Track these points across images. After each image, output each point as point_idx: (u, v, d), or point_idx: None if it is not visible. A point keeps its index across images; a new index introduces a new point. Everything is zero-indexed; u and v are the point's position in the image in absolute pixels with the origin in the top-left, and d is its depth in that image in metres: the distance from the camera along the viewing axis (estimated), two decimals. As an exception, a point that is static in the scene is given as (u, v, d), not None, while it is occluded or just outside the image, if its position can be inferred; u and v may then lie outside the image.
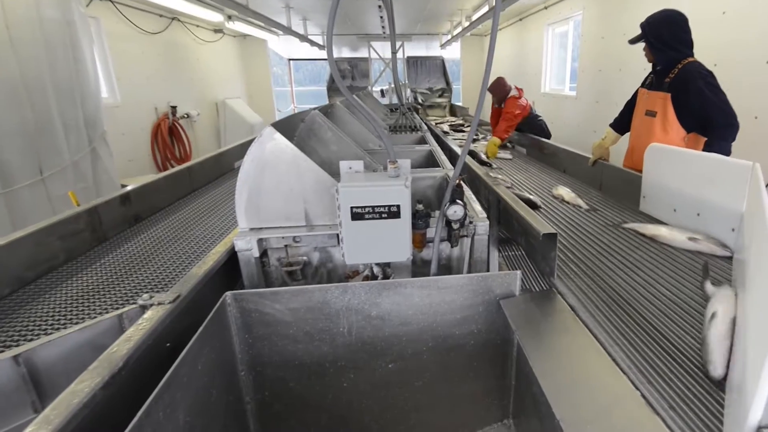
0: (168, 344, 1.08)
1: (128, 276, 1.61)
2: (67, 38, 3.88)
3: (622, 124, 2.81)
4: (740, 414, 0.74)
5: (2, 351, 1.15)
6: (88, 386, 0.83)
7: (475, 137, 4.86)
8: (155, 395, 0.84)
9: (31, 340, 1.21)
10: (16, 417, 1.08)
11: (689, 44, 2.40)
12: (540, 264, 1.40)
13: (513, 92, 4.27)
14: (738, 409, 0.76)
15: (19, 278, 1.57)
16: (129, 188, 2.23)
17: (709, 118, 2.24)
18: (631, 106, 2.74)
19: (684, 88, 2.30)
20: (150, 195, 2.35)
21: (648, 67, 2.61)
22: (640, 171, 2.15)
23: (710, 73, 2.31)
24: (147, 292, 1.23)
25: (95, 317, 1.25)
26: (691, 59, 2.37)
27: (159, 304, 1.13)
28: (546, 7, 6.83)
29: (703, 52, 2.50)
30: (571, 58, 6.60)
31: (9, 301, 1.47)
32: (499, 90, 4.31)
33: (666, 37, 2.37)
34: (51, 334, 1.19)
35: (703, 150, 2.28)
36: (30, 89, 3.51)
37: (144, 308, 1.13)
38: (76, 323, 1.27)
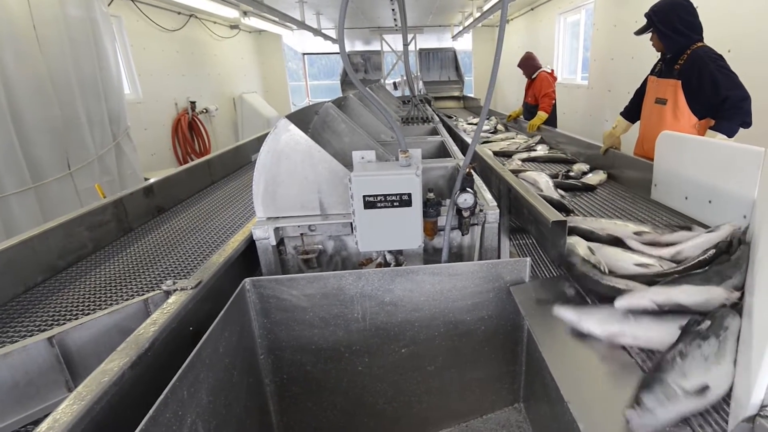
0: (191, 328, 1.14)
1: (152, 264, 1.68)
2: (91, 36, 3.99)
3: (632, 112, 2.77)
4: (744, 393, 0.75)
5: (37, 333, 1.22)
6: (117, 366, 0.88)
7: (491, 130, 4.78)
8: (179, 375, 0.88)
9: (64, 323, 1.28)
10: (52, 395, 1.14)
11: (698, 29, 2.35)
12: (550, 251, 1.41)
13: (546, 68, 4.80)
14: (743, 388, 0.77)
15: (52, 266, 1.65)
16: (152, 181, 2.31)
17: (722, 98, 2.20)
18: (640, 94, 2.70)
19: (696, 74, 2.26)
20: (172, 187, 2.43)
21: (660, 54, 2.57)
22: (651, 159, 2.12)
23: (720, 56, 2.27)
24: (171, 279, 1.29)
25: (122, 302, 1.31)
26: (699, 44, 2.32)
27: (182, 289, 1.18)
28: (557, -4, 6.71)
29: (717, 40, 2.44)
30: (583, 47, 6.47)
31: (42, 288, 1.55)
32: (527, 64, 4.83)
33: (675, 23, 2.32)
34: (81, 317, 1.26)
35: (712, 128, 2.24)
36: (57, 87, 3.64)
37: (168, 294, 1.19)
38: (105, 308, 1.34)
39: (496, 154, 3.23)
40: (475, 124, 4.60)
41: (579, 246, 1.34)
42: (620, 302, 1.08)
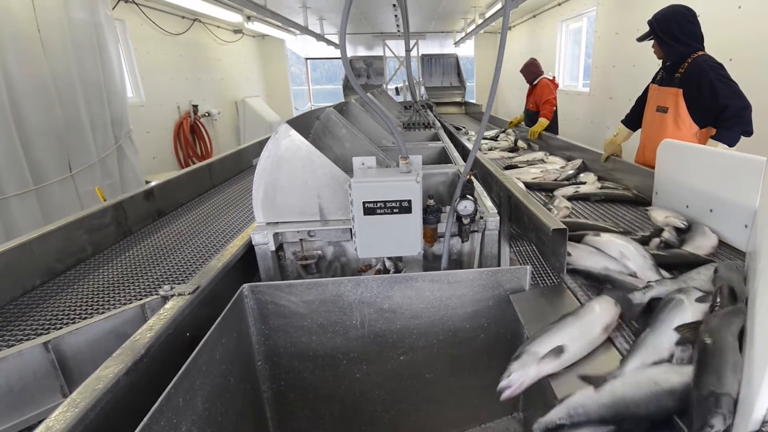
0: (188, 334, 1.13)
1: (151, 268, 1.67)
2: (95, 40, 4.02)
3: (633, 120, 2.77)
4: (747, 408, 0.74)
5: (33, 338, 1.21)
6: (112, 372, 0.88)
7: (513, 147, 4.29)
8: (175, 382, 0.88)
9: (60, 328, 1.28)
10: (47, 401, 1.13)
11: (698, 38, 2.36)
12: (550, 259, 1.40)
13: (547, 75, 4.83)
14: (745, 402, 0.76)
15: (50, 269, 1.64)
16: (152, 184, 2.31)
17: (722, 107, 2.20)
18: (642, 102, 2.70)
19: (696, 82, 2.26)
20: (172, 191, 2.43)
21: (661, 62, 2.57)
22: (652, 167, 2.12)
23: (720, 65, 2.27)
24: (168, 284, 1.28)
25: (119, 307, 1.31)
26: (700, 53, 2.33)
27: (179, 294, 1.18)
28: (560, 4, 6.73)
29: (718, 48, 2.44)
30: (584, 54, 6.49)
31: (40, 291, 1.55)
32: (528, 71, 4.86)
33: (675, 31, 2.32)
34: (78, 322, 1.25)
35: (713, 137, 2.24)
36: (60, 89, 3.65)
37: (165, 299, 1.18)
38: (102, 312, 1.33)
39: (529, 186, 2.49)
40: (488, 138, 4.48)
41: None
42: None
